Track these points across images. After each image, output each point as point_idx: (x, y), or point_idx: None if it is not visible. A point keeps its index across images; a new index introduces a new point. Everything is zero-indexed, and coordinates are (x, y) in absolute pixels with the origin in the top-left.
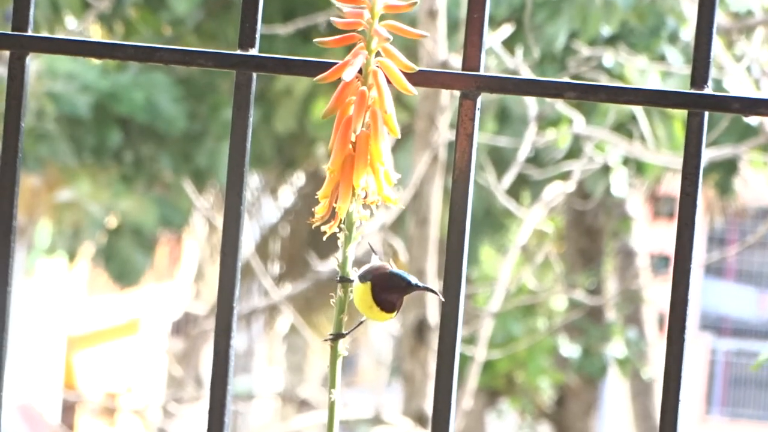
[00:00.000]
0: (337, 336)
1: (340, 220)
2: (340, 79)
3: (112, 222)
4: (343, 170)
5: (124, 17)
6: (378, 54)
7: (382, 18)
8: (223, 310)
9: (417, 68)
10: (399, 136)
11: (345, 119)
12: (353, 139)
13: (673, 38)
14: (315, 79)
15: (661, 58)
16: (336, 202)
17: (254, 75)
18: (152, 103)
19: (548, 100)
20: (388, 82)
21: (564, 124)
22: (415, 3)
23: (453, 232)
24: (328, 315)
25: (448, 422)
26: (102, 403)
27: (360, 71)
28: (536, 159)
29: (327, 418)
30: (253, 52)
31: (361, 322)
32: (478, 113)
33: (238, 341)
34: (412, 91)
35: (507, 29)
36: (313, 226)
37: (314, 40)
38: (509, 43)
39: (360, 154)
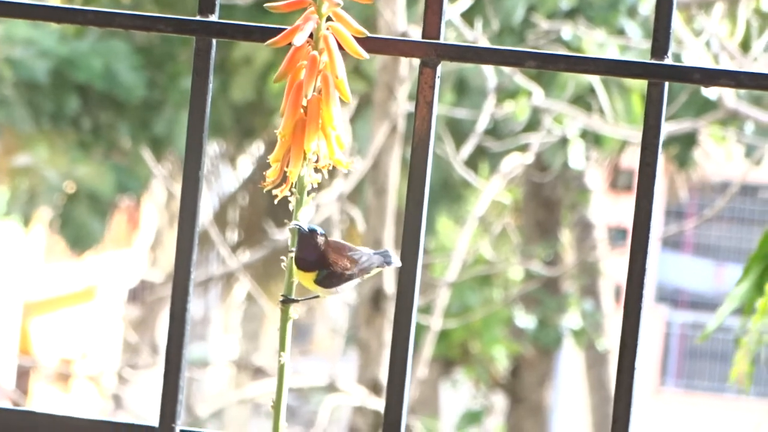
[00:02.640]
0: (286, 300)
1: (292, 183)
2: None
3: (69, 188)
4: (294, 134)
5: None
6: (329, 19)
7: None
8: (180, 274)
9: (367, 33)
10: (350, 101)
11: (296, 84)
12: (305, 103)
13: (632, 12)
14: (265, 43)
15: (620, 32)
16: (287, 166)
17: (214, 41)
18: (111, 70)
19: (507, 71)
20: (340, 47)
21: (523, 96)
22: None
23: (411, 199)
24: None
25: (403, 391)
26: (57, 369)
27: (311, 36)
28: (495, 131)
29: (276, 380)
30: (213, 18)
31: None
32: (438, 81)
33: (194, 309)
34: (363, 54)
35: (466, 1)
36: (264, 190)
37: (265, 5)
38: (468, 16)
39: (311, 119)
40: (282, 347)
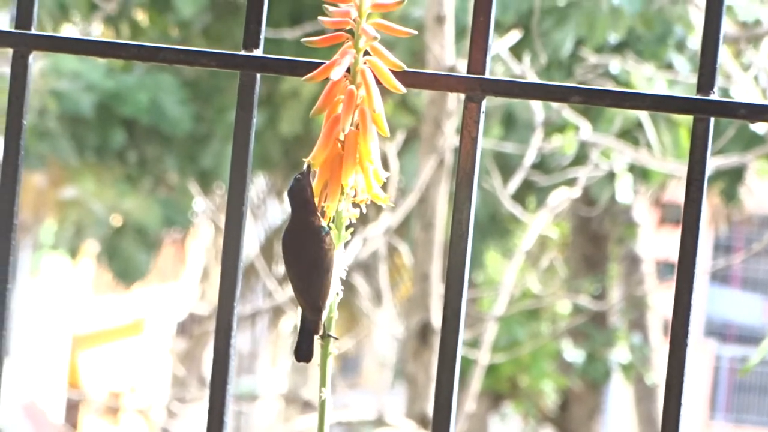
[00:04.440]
0: (324, 335)
1: (330, 218)
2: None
3: (115, 221)
4: (332, 169)
5: (131, 19)
6: (366, 53)
7: (370, 17)
8: (223, 309)
9: (405, 67)
10: (387, 135)
11: (333, 118)
12: (342, 138)
13: (681, 46)
14: (303, 78)
15: (668, 66)
16: (325, 201)
17: (258, 76)
18: (157, 104)
19: (554, 106)
20: (378, 81)
21: (570, 131)
22: (403, 1)
23: (456, 233)
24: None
25: (449, 424)
26: (106, 402)
27: (348, 70)
28: (542, 165)
29: (318, 416)
30: (258, 52)
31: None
32: (482, 116)
33: (242, 342)
34: (400, 88)
35: (514, 35)
36: None
37: (302, 39)
38: (516, 50)
39: (349, 153)
40: (323, 382)
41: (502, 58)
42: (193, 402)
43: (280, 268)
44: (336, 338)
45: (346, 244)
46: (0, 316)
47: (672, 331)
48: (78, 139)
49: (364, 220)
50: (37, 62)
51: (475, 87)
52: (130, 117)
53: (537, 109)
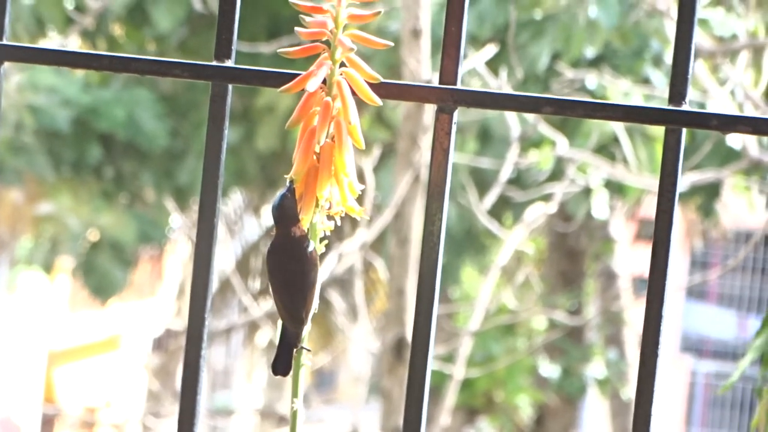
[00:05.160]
0: (297, 347)
1: (306, 231)
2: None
3: (91, 236)
4: (306, 181)
5: (108, 33)
6: (343, 64)
7: (347, 28)
8: (194, 319)
9: (381, 79)
10: (363, 147)
11: (309, 130)
12: (318, 150)
13: (657, 61)
14: (279, 90)
15: (645, 81)
16: (300, 213)
17: (230, 86)
18: (134, 119)
19: (530, 121)
20: (354, 93)
21: (546, 146)
22: (379, 13)
23: (427, 245)
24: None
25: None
26: (81, 417)
27: (324, 82)
28: (518, 180)
29: (290, 427)
30: (229, 63)
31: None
32: (454, 127)
33: (217, 358)
34: (376, 100)
35: (490, 49)
36: None
37: (278, 50)
38: (492, 64)
39: (324, 165)
40: (295, 393)
41: (479, 72)
42: (168, 417)
43: (256, 284)
44: (309, 350)
45: (321, 257)
46: None
47: (642, 341)
48: (54, 154)
49: (339, 235)
50: (14, 77)
51: (447, 98)
52: (107, 132)
53: (513, 123)
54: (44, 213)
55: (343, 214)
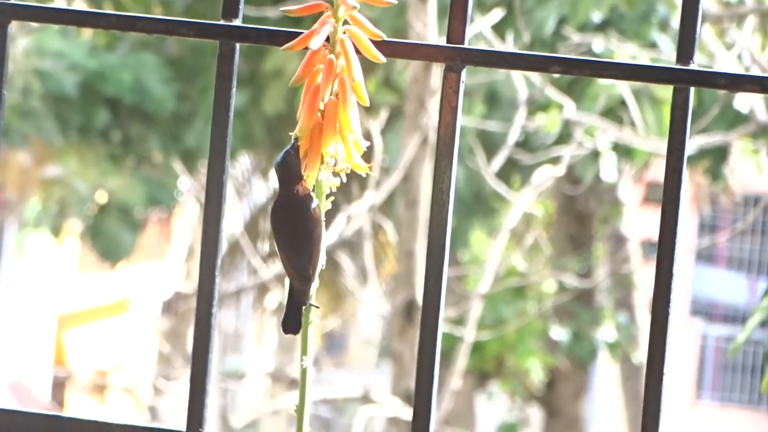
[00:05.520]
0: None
1: (311, 187)
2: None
3: (99, 199)
4: (311, 138)
5: None
6: (346, 22)
7: None
8: (204, 280)
9: (384, 36)
10: (368, 104)
11: (313, 87)
12: (322, 107)
13: (664, 25)
14: (282, 47)
15: (652, 45)
16: (305, 170)
17: (237, 45)
18: (141, 83)
19: (537, 84)
20: (357, 50)
21: (554, 109)
22: None
23: (437, 203)
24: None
25: (431, 399)
26: (92, 380)
27: (328, 39)
28: (526, 143)
29: (299, 384)
30: (237, 22)
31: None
32: (462, 86)
33: (227, 321)
34: (380, 57)
35: (497, 14)
36: None
37: (282, 9)
38: (499, 29)
39: (328, 122)
40: (304, 351)
41: (485, 36)
42: (179, 379)
43: (265, 246)
44: (317, 307)
45: (328, 214)
46: None
47: (653, 302)
48: (61, 118)
49: (348, 198)
50: (21, 41)
51: (455, 57)
52: (114, 96)
53: (520, 87)
54: (52, 176)
55: (348, 171)
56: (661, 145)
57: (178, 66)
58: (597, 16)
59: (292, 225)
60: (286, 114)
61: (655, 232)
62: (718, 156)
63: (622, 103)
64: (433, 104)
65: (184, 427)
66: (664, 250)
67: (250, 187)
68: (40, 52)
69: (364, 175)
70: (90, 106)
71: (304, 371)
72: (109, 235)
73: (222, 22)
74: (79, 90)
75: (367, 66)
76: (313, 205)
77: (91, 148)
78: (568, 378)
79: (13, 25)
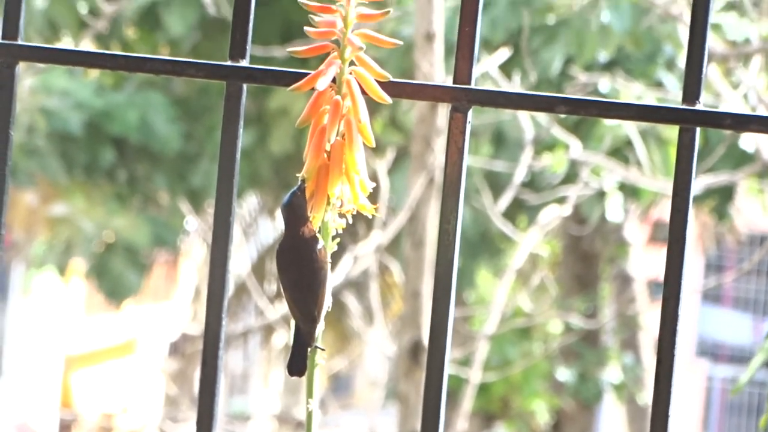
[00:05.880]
0: (312, 346)
1: (317, 229)
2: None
3: (105, 238)
4: (317, 179)
5: (121, 37)
6: (352, 63)
7: (356, 28)
8: (211, 322)
9: (390, 77)
10: (374, 145)
11: (319, 128)
12: (328, 148)
13: (670, 65)
14: (289, 88)
15: (658, 85)
16: (311, 212)
17: (244, 86)
18: (147, 122)
19: (544, 124)
20: (363, 91)
21: (560, 149)
22: (388, 12)
23: (443, 244)
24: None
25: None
26: (99, 422)
27: (334, 81)
28: (532, 183)
29: (305, 428)
30: (244, 63)
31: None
32: (468, 127)
33: (234, 362)
34: (386, 98)
35: (504, 53)
36: None
37: (288, 50)
38: (506, 68)
39: (335, 163)
40: (309, 394)
41: (492, 76)
42: (185, 422)
43: (272, 287)
44: (323, 349)
45: (334, 255)
46: None
47: (659, 342)
48: (67, 157)
49: (354, 238)
50: (27, 80)
51: (461, 97)
52: (120, 135)
53: (527, 126)
54: (58, 214)
55: (354, 212)
56: (667, 185)
57: (184, 105)
58: (603, 56)
59: (298, 266)
60: (293, 153)
61: (661, 272)
62: (723, 195)
63: (629, 142)
64: (440, 144)
65: None
66: (669, 291)
67: (257, 228)
68: (46, 91)
69: (371, 216)
70: (96, 145)
71: (309, 414)
72: (115, 275)
73: (229, 62)
74: (84, 129)
75: (373, 106)
76: (319, 247)
77: (96, 187)
78: (574, 419)
79: (20, 65)
